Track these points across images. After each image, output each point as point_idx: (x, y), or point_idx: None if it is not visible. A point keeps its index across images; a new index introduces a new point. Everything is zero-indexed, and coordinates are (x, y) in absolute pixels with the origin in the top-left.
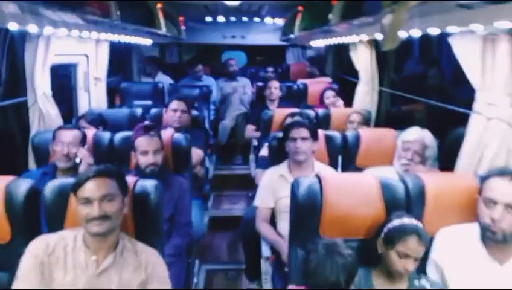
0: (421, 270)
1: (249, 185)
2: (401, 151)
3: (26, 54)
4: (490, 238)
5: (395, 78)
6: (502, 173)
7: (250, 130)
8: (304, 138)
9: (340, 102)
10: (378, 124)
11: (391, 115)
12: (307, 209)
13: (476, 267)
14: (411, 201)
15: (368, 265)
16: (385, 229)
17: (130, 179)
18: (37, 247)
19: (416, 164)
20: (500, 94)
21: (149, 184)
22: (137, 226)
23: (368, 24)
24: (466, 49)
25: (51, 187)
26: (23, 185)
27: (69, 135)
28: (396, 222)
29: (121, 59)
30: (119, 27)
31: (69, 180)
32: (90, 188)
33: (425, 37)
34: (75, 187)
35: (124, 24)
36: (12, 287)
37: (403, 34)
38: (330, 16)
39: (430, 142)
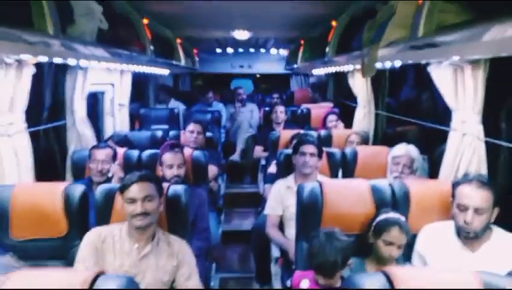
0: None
1: (257, 202)
2: (392, 165)
3: (67, 83)
4: (464, 235)
5: (392, 101)
6: (470, 180)
7: (259, 151)
8: (312, 154)
9: (341, 124)
10: (375, 143)
11: (387, 135)
12: (310, 209)
13: (452, 255)
14: (397, 202)
15: (362, 255)
16: (374, 223)
17: (164, 185)
18: (92, 236)
19: (407, 175)
20: (470, 113)
21: (179, 188)
22: (170, 222)
23: (358, 56)
24: (441, 76)
25: (100, 190)
26: (78, 189)
27: (103, 154)
28: (382, 216)
29: (139, 88)
30: (147, 60)
31: (115, 185)
32: (135, 190)
33: (418, 65)
34: (122, 189)
35: (152, 58)
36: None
37: (387, 64)
38: (327, 49)
39: (416, 156)
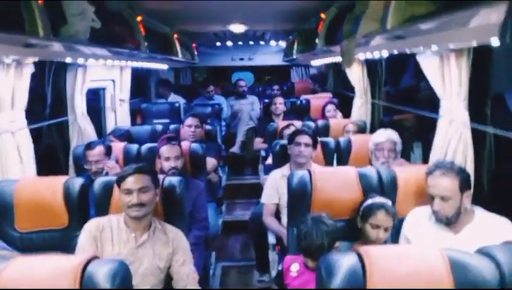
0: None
1: (258, 193)
2: (376, 152)
3: (67, 80)
4: (438, 221)
5: (388, 91)
6: (433, 170)
7: (258, 143)
8: (306, 144)
9: (339, 114)
10: (372, 132)
11: (383, 124)
12: (300, 196)
13: (436, 237)
14: (384, 187)
15: (351, 240)
16: (361, 208)
17: (160, 176)
18: (91, 226)
19: (394, 159)
20: (457, 100)
21: (174, 180)
22: (166, 212)
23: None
24: (428, 65)
25: (98, 182)
26: (77, 182)
27: (95, 154)
28: (369, 201)
29: (139, 83)
30: (145, 56)
31: (112, 177)
32: (131, 181)
33: (412, 54)
34: (119, 180)
35: (150, 54)
36: None
37: (376, 54)
38: (317, 40)
39: (397, 138)
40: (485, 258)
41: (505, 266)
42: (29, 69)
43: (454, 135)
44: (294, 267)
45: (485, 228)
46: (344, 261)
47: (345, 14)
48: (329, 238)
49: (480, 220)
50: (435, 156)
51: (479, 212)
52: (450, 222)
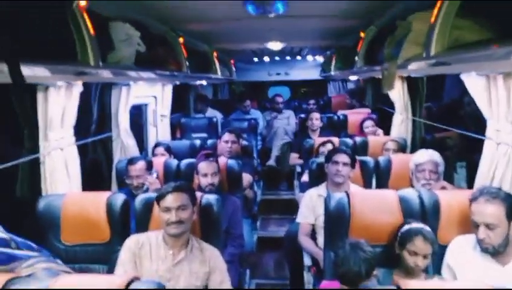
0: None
1: (293, 210)
2: (417, 173)
3: (112, 98)
4: (483, 250)
5: (430, 108)
6: (477, 196)
7: (294, 158)
8: (344, 163)
9: (380, 131)
10: (413, 150)
11: (425, 142)
12: (337, 219)
13: (481, 268)
14: (426, 212)
15: (390, 266)
16: (399, 233)
17: (198, 194)
18: (130, 243)
19: (435, 181)
20: (504, 122)
21: (212, 198)
22: (203, 230)
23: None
24: (474, 85)
25: (140, 199)
26: (120, 198)
27: (136, 169)
28: (406, 227)
29: (179, 98)
30: (187, 76)
31: (152, 194)
32: (170, 200)
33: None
34: (158, 198)
35: (191, 73)
36: (115, 273)
37: (417, 73)
38: (356, 58)
39: (439, 159)
40: None
41: None
42: (78, 89)
43: (502, 159)
44: None
45: None
46: None
47: (385, 34)
48: (368, 266)
49: None
50: (480, 180)
51: None
52: (497, 252)
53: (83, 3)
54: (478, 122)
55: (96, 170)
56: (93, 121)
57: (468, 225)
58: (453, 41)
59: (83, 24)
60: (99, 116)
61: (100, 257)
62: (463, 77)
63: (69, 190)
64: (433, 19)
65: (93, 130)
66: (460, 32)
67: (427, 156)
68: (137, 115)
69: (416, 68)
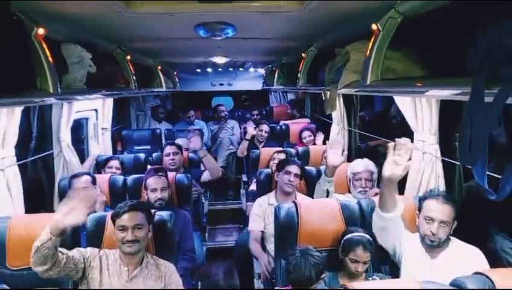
0: (378, 270)
1: (241, 219)
2: (354, 181)
3: (53, 114)
4: (429, 244)
5: (365, 118)
6: (436, 195)
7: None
8: (295, 174)
9: (320, 137)
10: (349, 157)
11: (360, 150)
12: (287, 228)
13: (416, 260)
14: (366, 218)
15: (335, 269)
16: (342, 241)
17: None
18: (87, 250)
19: (370, 188)
20: (428, 134)
21: (165, 214)
22: (157, 246)
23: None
24: (403, 102)
25: (91, 219)
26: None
27: (82, 182)
28: (348, 236)
29: (120, 111)
30: (134, 91)
31: (104, 213)
32: (126, 219)
33: None
34: (114, 217)
35: (138, 89)
36: None
37: (351, 92)
38: (299, 75)
39: (374, 168)
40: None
41: None
42: (19, 108)
43: (427, 167)
44: None
45: (458, 255)
46: None
47: (325, 56)
48: (317, 270)
49: (454, 248)
50: (410, 184)
51: (453, 240)
52: (438, 246)
53: (41, 32)
54: (405, 131)
55: (38, 189)
56: (33, 139)
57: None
58: (385, 70)
59: (42, 53)
60: (39, 133)
61: (49, 280)
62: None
63: (12, 211)
64: (368, 52)
65: (33, 148)
66: (391, 62)
67: (363, 166)
68: (77, 129)
69: (354, 91)
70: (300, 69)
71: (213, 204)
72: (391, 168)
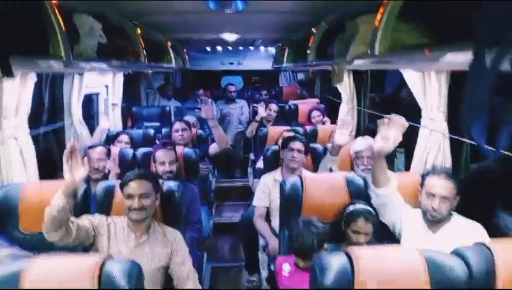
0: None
1: (247, 196)
2: (356, 160)
3: (64, 87)
4: (430, 219)
5: (374, 98)
6: (438, 172)
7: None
8: (299, 150)
9: (327, 120)
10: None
11: (369, 130)
12: (292, 201)
13: (417, 234)
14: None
15: (337, 241)
16: (344, 213)
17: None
18: (95, 217)
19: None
20: (436, 112)
21: (173, 185)
22: (165, 215)
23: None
24: (412, 79)
25: (100, 186)
26: (80, 187)
27: (97, 152)
28: (350, 208)
29: (130, 88)
30: (144, 66)
31: (113, 181)
32: (132, 187)
33: None
34: (122, 185)
35: (148, 63)
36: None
37: (360, 65)
38: (308, 52)
39: None
40: (458, 259)
41: (474, 266)
42: (32, 79)
43: (434, 145)
44: (286, 267)
45: (459, 229)
46: (335, 261)
47: (335, 31)
48: (319, 240)
49: (455, 223)
50: (416, 163)
51: (455, 215)
52: (439, 221)
53: (55, 1)
54: (414, 112)
55: (49, 160)
56: (45, 111)
57: (407, 202)
58: (394, 43)
59: (55, 20)
60: (50, 105)
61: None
62: (402, 71)
63: (25, 179)
64: (377, 23)
65: (45, 120)
66: (400, 35)
67: (365, 144)
68: (87, 104)
69: (362, 64)
70: (310, 45)
71: (220, 182)
72: (380, 143)
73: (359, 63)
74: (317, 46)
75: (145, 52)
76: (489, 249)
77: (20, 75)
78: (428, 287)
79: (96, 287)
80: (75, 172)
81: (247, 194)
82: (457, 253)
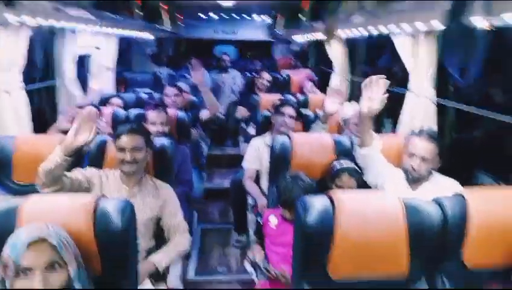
0: None
1: (238, 163)
2: (345, 127)
3: (56, 46)
4: (411, 178)
5: (367, 69)
6: (420, 133)
7: (242, 111)
8: (291, 116)
9: (317, 90)
10: None
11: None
12: (281, 159)
13: (398, 191)
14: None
15: None
16: (330, 171)
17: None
18: (87, 170)
19: None
20: (424, 77)
21: (165, 141)
22: (156, 169)
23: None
24: (401, 44)
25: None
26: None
27: (86, 112)
28: (336, 164)
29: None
30: (137, 24)
31: (105, 137)
32: (125, 141)
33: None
34: (115, 137)
35: (142, 23)
36: None
37: (356, 32)
38: (301, 16)
39: None
40: (435, 205)
41: (449, 211)
42: (27, 32)
43: (420, 107)
44: (273, 220)
45: (438, 186)
46: (318, 202)
47: None
48: (305, 192)
49: (434, 181)
50: (403, 124)
51: (435, 174)
52: (419, 180)
53: None
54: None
55: (41, 117)
56: (37, 69)
57: (392, 162)
58: None
59: None
60: (43, 65)
61: None
62: (393, 37)
63: (19, 132)
64: None
65: (38, 78)
66: None
67: (352, 110)
68: (80, 66)
69: (354, 23)
70: (305, 8)
71: (212, 149)
72: (367, 103)
73: (351, 20)
74: (311, 8)
75: (139, 11)
76: (463, 197)
77: (15, 28)
78: (406, 229)
79: (92, 221)
80: (79, 136)
81: (237, 161)
82: (435, 201)
